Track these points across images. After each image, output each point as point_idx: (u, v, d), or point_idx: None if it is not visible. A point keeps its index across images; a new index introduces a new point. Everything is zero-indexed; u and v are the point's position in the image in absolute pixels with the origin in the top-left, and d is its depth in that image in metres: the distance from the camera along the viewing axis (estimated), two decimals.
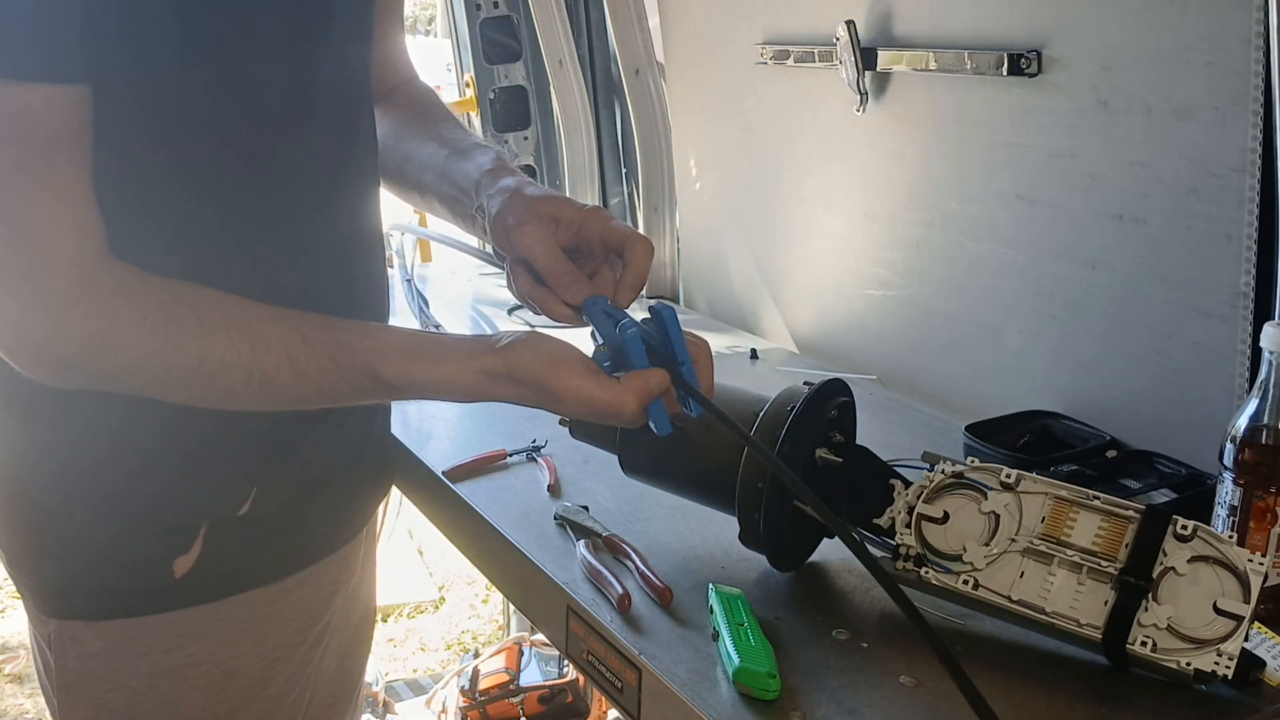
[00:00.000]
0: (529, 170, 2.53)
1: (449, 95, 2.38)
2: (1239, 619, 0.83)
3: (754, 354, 1.72)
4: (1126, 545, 0.87)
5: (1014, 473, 0.93)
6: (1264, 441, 0.93)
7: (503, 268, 0.99)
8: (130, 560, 0.96)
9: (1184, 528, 0.86)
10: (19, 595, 1.06)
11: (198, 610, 0.98)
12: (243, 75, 0.90)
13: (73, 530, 0.96)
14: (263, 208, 0.94)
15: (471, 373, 0.88)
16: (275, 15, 0.91)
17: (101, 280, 0.82)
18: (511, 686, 2.47)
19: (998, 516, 0.92)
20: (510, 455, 1.30)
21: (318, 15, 0.96)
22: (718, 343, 1.83)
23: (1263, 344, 0.94)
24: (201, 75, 0.88)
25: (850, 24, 1.49)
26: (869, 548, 0.96)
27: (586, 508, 1.15)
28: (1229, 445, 0.95)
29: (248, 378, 0.84)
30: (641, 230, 2.18)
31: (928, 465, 0.96)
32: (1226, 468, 0.95)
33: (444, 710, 2.52)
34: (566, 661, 2.51)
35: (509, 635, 2.76)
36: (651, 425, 0.88)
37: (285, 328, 0.86)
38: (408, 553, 3.75)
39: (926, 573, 0.92)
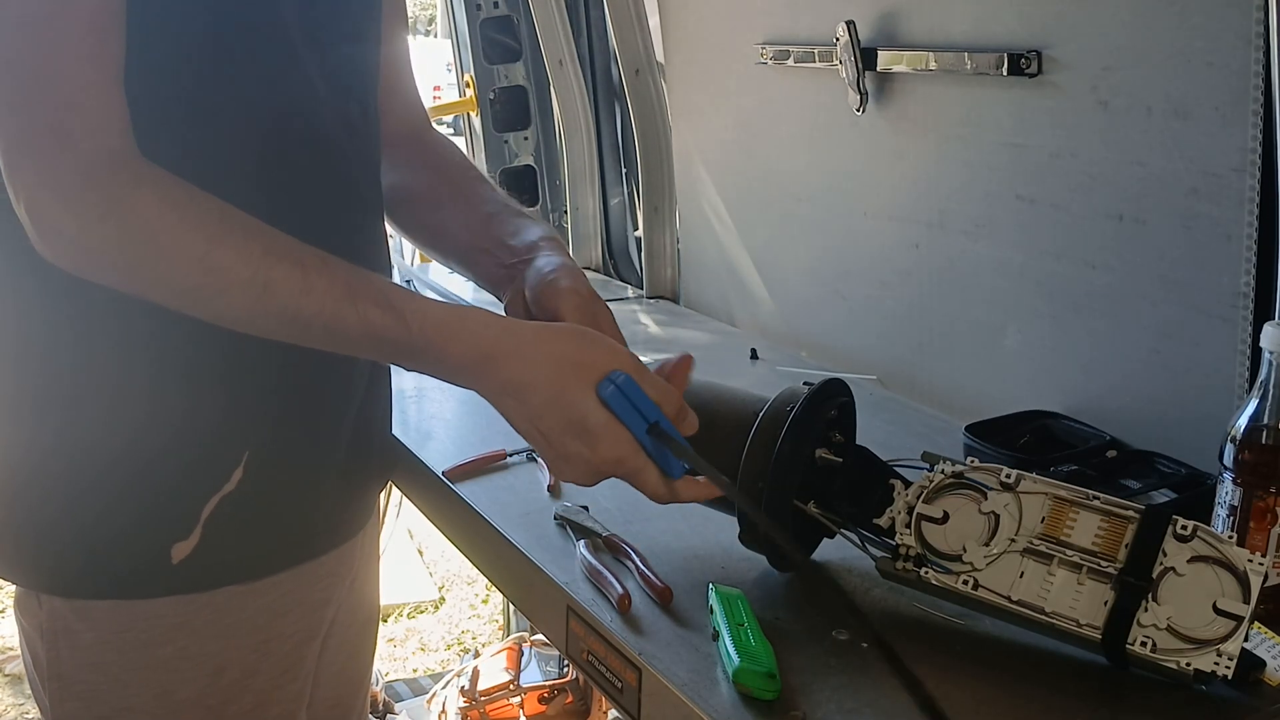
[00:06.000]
0: (529, 170, 2.53)
1: (449, 95, 2.38)
2: (1239, 619, 0.83)
3: (754, 354, 1.72)
4: (1126, 545, 0.87)
5: (1014, 473, 0.93)
6: (1264, 441, 0.93)
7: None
8: (128, 542, 0.95)
9: (1184, 528, 0.86)
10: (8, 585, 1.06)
11: (191, 602, 0.98)
12: (244, 73, 0.91)
13: (68, 507, 0.95)
14: (260, 211, 0.94)
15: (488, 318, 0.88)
16: (271, 17, 0.91)
17: (133, 156, 0.83)
18: (511, 686, 2.47)
19: (997, 516, 0.91)
20: (510, 455, 1.30)
21: (316, 19, 0.96)
22: (718, 343, 1.83)
23: (1263, 344, 0.94)
24: (208, 71, 0.88)
25: (850, 24, 1.49)
26: (870, 549, 0.97)
27: (586, 508, 1.14)
28: (1229, 445, 0.95)
29: (253, 276, 0.82)
30: (641, 230, 2.18)
31: (928, 465, 0.96)
32: (1226, 468, 0.95)
33: (444, 710, 2.52)
34: (566, 661, 2.52)
35: (509, 635, 2.76)
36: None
37: (307, 251, 0.85)
38: (408, 553, 3.75)
39: (926, 573, 0.92)
